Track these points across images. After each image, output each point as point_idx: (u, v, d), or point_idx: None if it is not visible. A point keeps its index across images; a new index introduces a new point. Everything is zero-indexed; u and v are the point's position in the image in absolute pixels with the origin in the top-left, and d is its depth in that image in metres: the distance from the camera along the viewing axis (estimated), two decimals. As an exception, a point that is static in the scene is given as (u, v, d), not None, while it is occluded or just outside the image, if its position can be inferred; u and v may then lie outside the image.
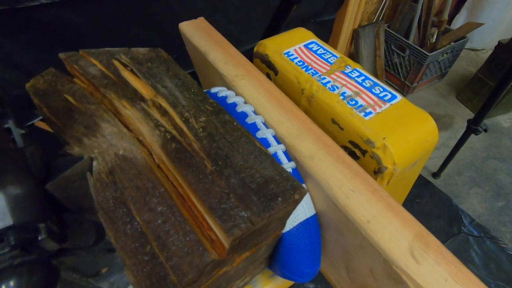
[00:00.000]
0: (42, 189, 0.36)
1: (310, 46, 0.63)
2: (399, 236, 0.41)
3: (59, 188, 0.38)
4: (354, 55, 2.15)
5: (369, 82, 0.55)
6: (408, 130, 0.50)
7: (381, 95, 0.53)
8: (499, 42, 1.90)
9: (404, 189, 0.65)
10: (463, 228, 1.64)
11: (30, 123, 1.10)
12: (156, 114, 0.40)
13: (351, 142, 0.51)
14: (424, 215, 1.67)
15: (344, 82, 0.55)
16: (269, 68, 0.63)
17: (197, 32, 0.71)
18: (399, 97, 0.53)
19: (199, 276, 0.30)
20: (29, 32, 1.03)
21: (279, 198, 0.32)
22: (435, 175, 1.84)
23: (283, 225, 0.44)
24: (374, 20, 2.17)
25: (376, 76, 2.23)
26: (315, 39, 0.64)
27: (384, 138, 0.47)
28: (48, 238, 0.34)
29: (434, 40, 2.06)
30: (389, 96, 0.53)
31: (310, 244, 0.48)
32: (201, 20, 0.76)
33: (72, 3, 1.04)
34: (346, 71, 0.57)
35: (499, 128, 2.09)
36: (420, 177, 1.83)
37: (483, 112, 1.37)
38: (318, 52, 0.61)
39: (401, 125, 0.50)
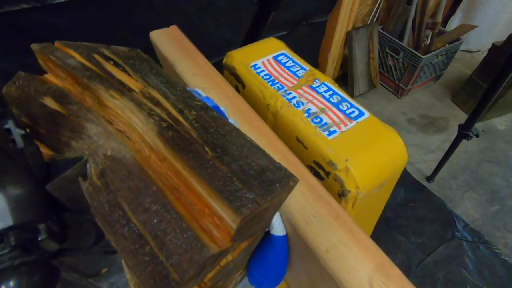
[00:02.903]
0: (42, 190, 0.36)
1: (279, 58, 0.60)
2: (358, 267, 0.40)
3: (59, 188, 0.38)
4: (347, 57, 2.12)
5: (336, 98, 0.53)
6: (373, 151, 0.47)
7: (347, 112, 0.51)
8: (493, 45, 1.87)
9: (374, 211, 0.62)
10: (457, 233, 1.62)
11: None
12: (148, 103, 0.39)
13: (315, 162, 0.49)
14: (418, 219, 1.64)
15: (310, 98, 0.53)
16: (237, 81, 0.61)
17: (168, 42, 0.69)
18: (366, 114, 0.51)
19: (201, 271, 0.31)
20: (11, 37, 1.01)
21: (277, 184, 0.33)
22: (429, 178, 1.82)
23: (272, 217, 0.44)
24: (368, 22, 2.14)
25: (370, 78, 2.20)
26: (285, 50, 0.62)
27: (347, 160, 0.45)
28: (48, 238, 0.34)
29: (428, 42, 2.03)
30: (356, 113, 0.50)
31: (275, 259, 0.48)
32: (173, 29, 0.74)
33: (55, 8, 1.02)
34: (314, 86, 0.55)
35: (494, 130, 2.06)
36: (414, 181, 1.81)
37: (474, 117, 1.34)
38: (287, 64, 0.59)
39: (366, 145, 0.47)
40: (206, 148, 0.35)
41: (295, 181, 0.35)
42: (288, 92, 0.54)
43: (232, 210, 0.29)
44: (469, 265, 1.51)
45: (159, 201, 0.33)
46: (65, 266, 0.59)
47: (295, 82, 0.56)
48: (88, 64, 0.42)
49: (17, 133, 0.37)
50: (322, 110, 0.51)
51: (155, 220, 0.32)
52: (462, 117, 2.12)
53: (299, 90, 0.54)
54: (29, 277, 0.32)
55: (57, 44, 0.45)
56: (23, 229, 0.32)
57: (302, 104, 0.52)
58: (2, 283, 0.30)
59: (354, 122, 0.50)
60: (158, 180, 0.34)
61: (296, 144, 0.51)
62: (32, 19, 1.01)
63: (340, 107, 0.51)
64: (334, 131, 0.48)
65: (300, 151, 0.51)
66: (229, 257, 0.43)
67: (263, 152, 0.36)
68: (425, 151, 1.96)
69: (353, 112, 0.51)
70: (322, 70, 2.12)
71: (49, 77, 0.44)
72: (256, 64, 0.59)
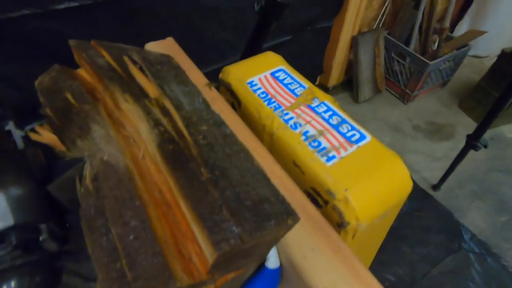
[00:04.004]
0: (43, 190, 0.36)
1: (277, 74, 0.57)
2: (360, 308, 0.37)
3: (60, 189, 0.38)
4: (353, 63, 2.09)
5: (336, 119, 0.50)
6: (374, 179, 0.44)
7: (348, 134, 0.48)
8: (503, 51, 1.82)
9: (376, 240, 0.59)
10: (463, 244, 1.57)
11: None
12: (158, 113, 0.39)
13: (313, 188, 0.46)
14: (423, 229, 1.60)
15: (308, 119, 0.50)
16: (233, 98, 0.58)
17: (163, 55, 0.66)
18: (368, 137, 0.48)
19: None
20: (13, 43, 1.01)
21: (272, 220, 0.30)
22: (435, 187, 1.77)
23: (268, 252, 0.42)
24: (374, 27, 2.10)
25: (375, 83, 2.16)
26: (283, 65, 0.59)
27: (346, 190, 0.42)
28: (49, 239, 0.34)
29: (435, 47, 1.99)
30: (357, 136, 0.47)
31: None
32: (169, 41, 0.72)
33: (56, 14, 1.01)
34: (313, 105, 0.52)
35: (503, 138, 2.01)
36: (420, 189, 1.77)
37: (483, 128, 1.30)
38: (285, 81, 0.56)
39: (367, 173, 0.44)
40: (203, 169, 0.33)
41: (295, 219, 0.32)
42: (285, 112, 0.51)
43: (211, 243, 0.27)
44: (476, 277, 1.47)
45: (139, 217, 0.31)
46: (67, 270, 0.60)
47: (293, 101, 0.53)
48: (114, 65, 0.43)
49: (17, 134, 0.38)
50: (321, 133, 0.48)
51: (131, 237, 0.30)
52: (469, 124, 2.07)
53: (296, 110, 0.51)
54: (31, 278, 0.32)
55: (92, 42, 0.46)
56: (24, 229, 0.32)
57: (300, 125, 0.49)
58: (3, 283, 0.30)
59: (355, 147, 0.47)
60: (145, 194, 0.33)
61: (293, 168, 0.48)
62: (32, 25, 1.00)
63: (340, 129, 0.48)
64: (333, 157, 0.45)
65: (297, 176, 0.48)
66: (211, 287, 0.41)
67: (267, 181, 0.35)
68: (431, 159, 1.91)
69: (354, 135, 0.48)
70: (327, 75, 2.08)
71: (81, 72, 0.45)
72: (252, 81, 0.56)
